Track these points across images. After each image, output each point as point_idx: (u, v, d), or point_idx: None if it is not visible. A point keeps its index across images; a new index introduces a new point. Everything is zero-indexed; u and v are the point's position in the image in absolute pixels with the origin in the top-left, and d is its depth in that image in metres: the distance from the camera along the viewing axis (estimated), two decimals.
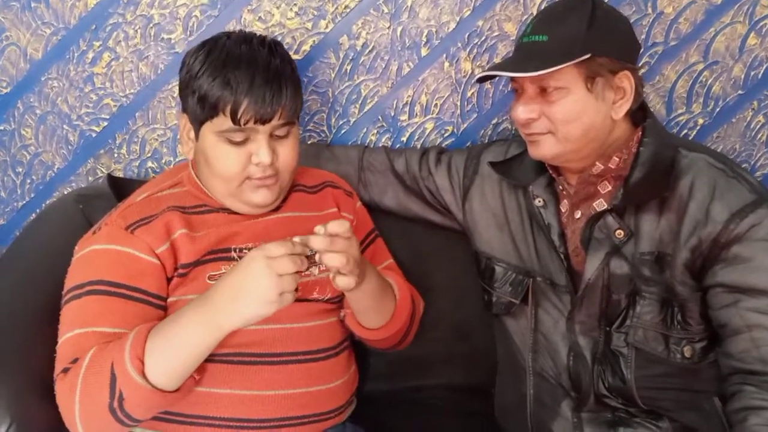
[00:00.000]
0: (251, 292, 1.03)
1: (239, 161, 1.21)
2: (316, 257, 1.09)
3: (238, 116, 1.18)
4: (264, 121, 1.19)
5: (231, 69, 1.19)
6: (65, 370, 1.10)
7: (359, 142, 1.65)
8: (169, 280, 1.20)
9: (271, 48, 1.24)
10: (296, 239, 1.07)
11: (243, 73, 1.18)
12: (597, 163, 1.27)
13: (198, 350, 1.08)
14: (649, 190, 1.22)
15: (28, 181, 1.67)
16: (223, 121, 1.19)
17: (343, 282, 1.13)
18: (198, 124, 1.23)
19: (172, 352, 1.07)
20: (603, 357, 1.28)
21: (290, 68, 1.26)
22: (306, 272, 1.07)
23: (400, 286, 1.37)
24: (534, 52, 1.23)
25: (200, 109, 1.21)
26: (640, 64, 1.33)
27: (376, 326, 1.33)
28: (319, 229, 1.09)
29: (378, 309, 1.31)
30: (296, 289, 1.05)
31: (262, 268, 1.03)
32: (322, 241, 1.08)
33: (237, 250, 1.24)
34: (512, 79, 1.28)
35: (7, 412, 1.10)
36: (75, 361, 1.10)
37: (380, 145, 1.65)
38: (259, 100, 1.18)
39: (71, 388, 1.08)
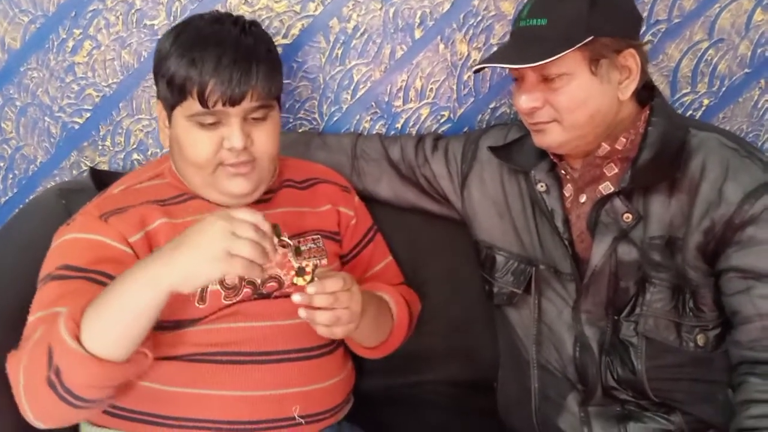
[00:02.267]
0: (196, 242, 0.95)
1: (210, 146, 1.16)
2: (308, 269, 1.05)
3: (206, 98, 1.13)
4: (233, 103, 1.14)
5: (197, 49, 1.14)
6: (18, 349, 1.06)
7: (352, 130, 1.60)
8: None
9: (245, 27, 1.19)
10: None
11: (209, 52, 1.13)
12: (603, 144, 1.22)
13: (136, 309, 0.97)
14: (659, 171, 1.18)
15: (10, 176, 1.63)
16: (191, 104, 1.15)
17: (339, 334, 1.09)
18: (170, 108, 1.19)
19: (109, 312, 0.98)
20: (611, 347, 1.23)
21: (265, 48, 1.20)
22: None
23: (397, 304, 1.33)
24: (533, 37, 1.17)
25: (169, 92, 1.17)
26: (643, 41, 1.28)
27: (371, 346, 1.31)
28: (310, 289, 1.03)
29: (374, 334, 1.28)
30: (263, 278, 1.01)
31: (217, 221, 0.95)
32: (326, 299, 1.04)
33: None
34: None
35: None
36: None
37: (374, 132, 1.60)
38: (226, 81, 1.12)
39: (17, 363, 1.02)
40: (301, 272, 1.05)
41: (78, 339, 0.97)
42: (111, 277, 1.10)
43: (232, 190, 1.19)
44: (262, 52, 1.18)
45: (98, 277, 1.11)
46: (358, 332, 1.18)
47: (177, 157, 1.22)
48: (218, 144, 1.16)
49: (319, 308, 1.05)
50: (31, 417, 1.04)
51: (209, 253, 0.94)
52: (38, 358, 0.99)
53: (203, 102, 1.13)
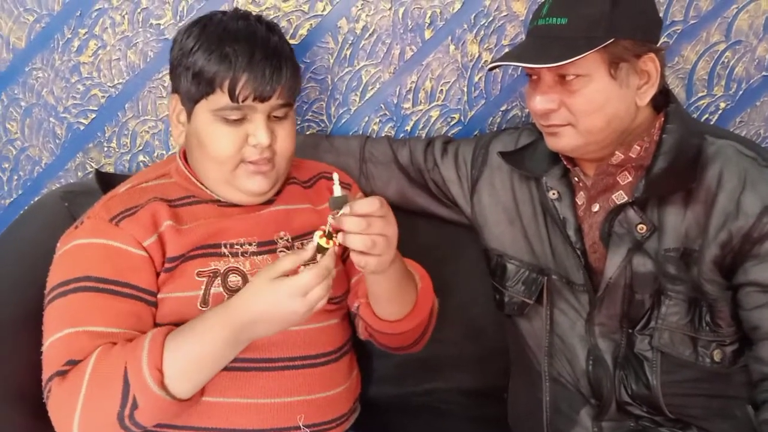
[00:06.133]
0: (285, 322, 1.05)
1: (235, 142, 1.16)
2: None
3: (237, 92, 1.13)
4: (263, 99, 1.14)
5: (229, 43, 1.14)
6: (61, 374, 1.04)
7: (361, 132, 1.58)
8: (157, 274, 1.14)
9: (269, 26, 1.21)
10: (328, 224, 1.03)
11: (242, 47, 1.14)
12: (616, 152, 1.19)
13: (224, 363, 1.08)
14: (674, 181, 1.15)
15: (15, 177, 1.61)
16: (219, 98, 1.14)
17: (372, 265, 1.05)
18: (191, 103, 1.18)
19: (199, 367, 1.05)
20: (625, 361, 1.21)
21: (288, 47, 1.22)
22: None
23: (422, 274, 1.27)
24: (552, 37, 1.14)
25: (195, 86, 1.16)
26: (662, 46, 1.24)
27: (395, 318, 1.22)
28: (346, 209, 1.03)
29: (399, 298, 1.20)
30: None
31: (299, 306, 1.02)
32: (357, 223, 1.02)
33: (228, 246, 1.18)
34: None
35: None
36: (69, 363, 1.04)
37: (383, 134, 1.58)
38: (259, 76, 1.13)
39: (73, 393, 1.02)
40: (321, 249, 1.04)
41: (163, 386, 1.02)
42: (137, 288, 1.11)
43: (250, 188, 1.19)
44: (287, 50, 1.20)
45: (125, 290, 1.11)
46: (384, 286, 1.15)
47: (196, 153, 1.20)
48: (242, 140, 1.16)
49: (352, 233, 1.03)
50: None
51: (298, 320, 1.05)
52: (109, 396, 1.02)
53: (233, 96, 1.13)
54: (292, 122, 1.22)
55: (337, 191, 1.05)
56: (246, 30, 1.16)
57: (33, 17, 1.49)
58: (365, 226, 1.02)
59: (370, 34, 1.51)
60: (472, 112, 1.57)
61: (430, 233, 1.49)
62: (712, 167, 1.14)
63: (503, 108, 1.57)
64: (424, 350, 1.38)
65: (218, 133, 1.16)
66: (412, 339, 1.28)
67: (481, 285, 1.42)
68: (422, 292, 1.24)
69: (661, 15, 1.46)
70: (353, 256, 1.05)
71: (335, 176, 1.08)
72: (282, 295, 1.01)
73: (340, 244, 1.04)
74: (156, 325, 1.13)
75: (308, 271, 1.01)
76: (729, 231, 1.11)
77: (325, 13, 1.49)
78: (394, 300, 1.20)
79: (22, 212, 1.52)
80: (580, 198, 1.25)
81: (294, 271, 1.03)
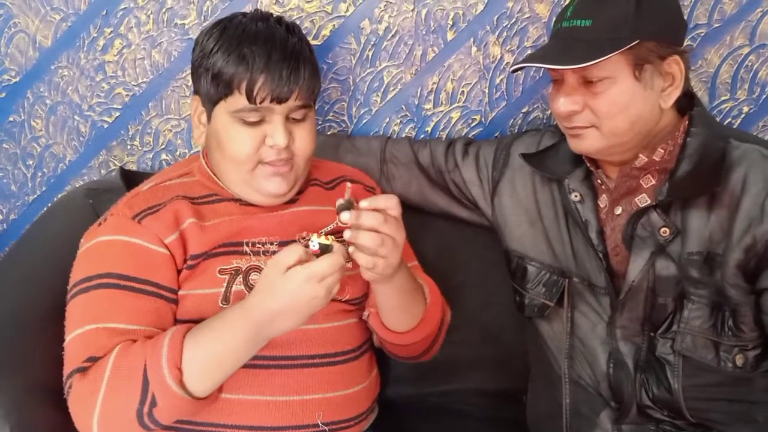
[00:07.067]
0: (305, 310, 1.04)
1: (252, 143, 1.16)
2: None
3: (254, 94, 1.13)
4: (280, 101, 1.14)
5: (247, 45, 1.14)
6: (82, 370, 1.05)
7: (381, 133, 1.58)
8: (178, 272, 1.15)
9: (289, 27, 1.21)
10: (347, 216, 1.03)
11: (260, 48, 1.14)
12: (640, 155, 1.19)
13: (243, 362, 1.08)
14: (698, 184, 1.14)
15: (39, 174, 1.63)
16: (237, 100, 1.15)
17: (379, 267, 1.06)
18: (211, 104, 1.18)
19: (218, 365, 1.05)
20: (647, 365, 1.20)
21: (308, 49, 1.21)
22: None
23: (431, 288, 1.28)
24: (576, 38, 1.14)
25: (214, 88, 1.16)
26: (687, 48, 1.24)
27: (403, 329, 1.24)
28: (363, 203, 1.04)
29: (406, 309, 1.22)
30: None
31: (318, 290, 1.01)
32: (374, 218, 1.03)
33: (250, 244, 1.18)
34: None
35: (6, 421, 1.04)
36: (90, 359, 1.05)
37: (403, 135, 1.58)
38: (276, 78, 1.13)
39: (93, 389, 1.03)
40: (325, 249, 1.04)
41: (181, 384, 1.03)
42: (158, 286, 1.12)
43: (269, 189, 1.19)
44: (307, 52, 1.20)
45: (146, 287, 1.11)
46: (391, 296, 1.16)
47: (216, 154, 1.21)
48: (260, 141, 1.16)
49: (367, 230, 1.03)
50: None
51: (316, 309, 1.04)
52: (129, 394, 1.03)
53: (251, 98, 1.13)
54: (312, 123, 1.22)
55: (345, 196, 1.05)
56: (265, 32, 1.17)
57: (59, 16, 1.50)
58: (381, 222, 1.03)
59: (392, 35, 1.51)
60: (493, 114, 1.57)
61: (450, 235, 1.49)
62: (736, 171, 1.14)
63: (524, 110, 1.57)
64: (442, 351, 1.38)
65: (236, 134, 1.16)
66: (421, 350, 1.29)
67: (500, 286, 1.42)
68: (431, 305, 1.25)
69: (684, 17, 1.46)
70: (360, 260, 1.06)
71: (348, 185, 1.08)
72: (298, 284, 1.00)
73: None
74: (176, 321, 1.14)
75: (324, 259, 1.01)
76: (753, 235, 1.10)
77: (348, 14, 1.49)
78: (401, 311, 1.21)
79: (46, 208, 1.54)
80: (602, 201, 1.25)
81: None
